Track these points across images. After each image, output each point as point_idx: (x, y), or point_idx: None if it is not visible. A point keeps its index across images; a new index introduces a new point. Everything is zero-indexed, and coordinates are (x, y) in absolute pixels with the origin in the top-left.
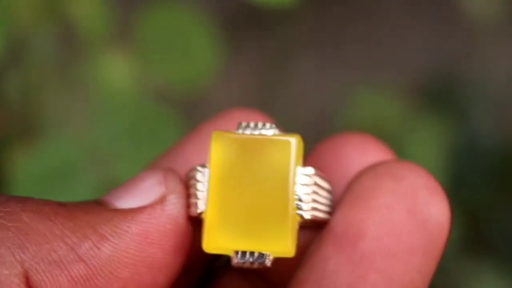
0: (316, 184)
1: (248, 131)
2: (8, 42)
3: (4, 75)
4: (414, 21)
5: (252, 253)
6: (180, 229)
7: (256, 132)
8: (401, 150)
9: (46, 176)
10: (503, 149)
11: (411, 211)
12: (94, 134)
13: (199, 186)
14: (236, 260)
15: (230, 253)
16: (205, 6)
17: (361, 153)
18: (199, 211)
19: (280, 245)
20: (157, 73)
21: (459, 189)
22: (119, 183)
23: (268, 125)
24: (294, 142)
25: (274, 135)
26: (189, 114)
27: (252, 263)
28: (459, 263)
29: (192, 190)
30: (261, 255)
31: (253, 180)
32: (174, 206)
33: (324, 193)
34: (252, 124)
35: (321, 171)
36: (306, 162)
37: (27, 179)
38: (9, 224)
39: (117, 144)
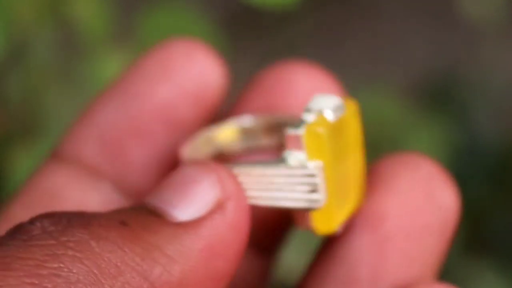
0: None
1: (333, 115)
2: (9, 42)
3: (5, 76)
4: (415, 22)
5: (343, 225)
6: (241, 235)
7: (339, 115)
8: (401, 150)
9: None
10: (503, 149)
11: (428, 196)
12: None
13: (316, 181)
14: (337, 233)
15: (331, 231)
16: (205, 6)
17: (307, 79)
18: (320, 204)
19: (358, 200)
20: None
21: (459, 188)
22: None
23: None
24: (355, 106)
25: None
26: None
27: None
28: (459, 263)
29: (297, 187)
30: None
31: (341, 159)
32: (234, 214)
33: None
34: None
35: (270, 99)
36: (253, 92)
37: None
38: (82, 256)
39: None
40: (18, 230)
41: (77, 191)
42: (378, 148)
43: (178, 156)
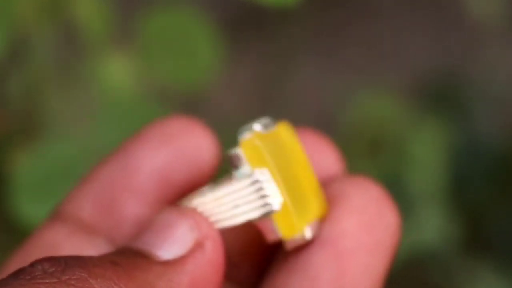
0: None
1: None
2: (10, 43)
3: (5, 76)
4: (416, 22)
5: (316, 224)
6: (219, 269)
7: (269, 130)
8: (402, 151)
9: (47, 176)
10: (504, 149)
11: (380, 215)
12: (95, 134)
13: (266, 185)
14: (312, 233)
15: (300, 233)
16: (206, 7)
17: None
18: (278, 206)
19: (322, 207)
20: (159, 74)
21: (460, 189)
22: None
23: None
24: (289, 125)
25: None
26: (190, 115)
27: (317, 233)
28: (459, 263)
29: (251, 197)
30: (318, 222)
31: (286, 166)
32: (212, 251)
33: None
34: (261, 125)
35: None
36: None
37: (27, 179)
38: None
39: (118, 145)
40: (20, 273)
41: (74, 246)
42: (378, 148)
43: None
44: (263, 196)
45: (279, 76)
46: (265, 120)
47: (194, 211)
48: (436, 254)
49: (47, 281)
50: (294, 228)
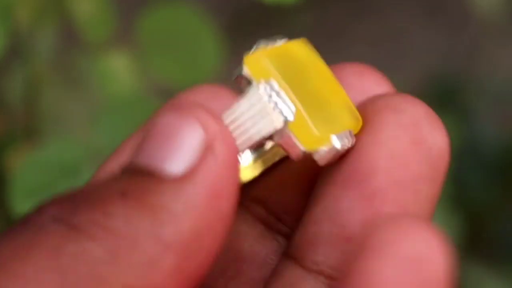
0: None
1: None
2: (9, 42)
3: (5, 76)
4: (417, 21)
5: (345, 133)
6: (234, 171)
7: (278, 44)
8: None
9: (47, 176)
10: (506, 149)
11: (416, 141)
12: (95, 134)
13: (275, 96)
14: (342, 143)
15: (327, 143)
16: (207, 5)
17: (359, 80)
18: (291, 116)
19: (353, 121)
20: (159, 72)
21: (461, 188)
22: None
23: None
24: (306, 42)
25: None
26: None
27: (346, 144)
28: (460, 262)
29: (263, 111)
30: (350, 132)
31: (301, 78)
32: (223, 151)
33: None
34: (267, 41)
35: None
36: None
37: (27, 179)
38: (96, 235)
39: (118, 144)
40: (28, 221)
41: None
42: None
43: None
44: (274, 109)
45: None
46: (279, 37)
47: (195, 108)
48: None
49: (56, 228)
50: (316, 137)
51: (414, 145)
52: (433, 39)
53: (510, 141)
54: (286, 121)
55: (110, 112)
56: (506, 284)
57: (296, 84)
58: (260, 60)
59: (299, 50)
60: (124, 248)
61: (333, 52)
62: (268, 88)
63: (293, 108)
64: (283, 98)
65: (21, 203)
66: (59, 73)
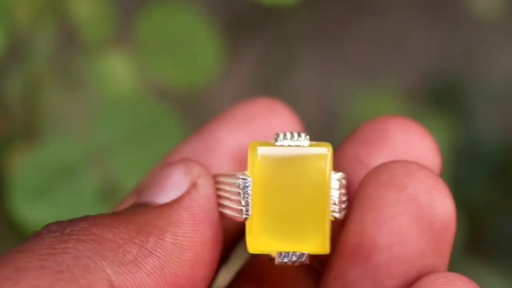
0: (344, 186)
1: (286, 142)
2: (9, 42)
3: (5, 76)
4: (417, 21)
5: (294, 253)
6: (214, 204)
7: (293, 144)
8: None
9: (47, 176)
10: (505, 149)
11: (417, 218)
12: (94, 135)
13: (243, 193)
14: (279, 260)
15: (274, 253)
16: (206, 5)
17: (404, 135)
18: (245, 217)
19: (318, 245)
20: (158, 73)
21: (460, 189)
22: (120, 183)
23: (303, 135)
24: (329, 153)
25: (310, 145)
26: (190, 114)
27: (293, 261)
28: (460, 264)
29: (233, 197)
30: (302, 255)
31: (292, 188)
32: (205, 187)
33: (345, 191)
34: (288, 135)
35: (365, 148)
36: (350, 140)
37: (27, 179)
38: (85, 238)
39: (117, 144)
40: (30, 236)
41: None
42: None
43: None
44: (238, 201)
45: (280, 75)
46: (302, 137)
47: (185, 159)
48: None
49: (51, 235)
50: (254, 245)
51: (414, 221)
52: (432, 39)
53: (509, 140)
54: (241, 218)
55: (109, 112)
56: (506, 283)
57: (278, 191)
58: (256, 151)
59: (315, 165)
60: (108, 248)
61: (333, 53)
62: (240, 181)
63: (248, 211)
64: (245, 197)
65: (21, 203)
66: (59, 74)
